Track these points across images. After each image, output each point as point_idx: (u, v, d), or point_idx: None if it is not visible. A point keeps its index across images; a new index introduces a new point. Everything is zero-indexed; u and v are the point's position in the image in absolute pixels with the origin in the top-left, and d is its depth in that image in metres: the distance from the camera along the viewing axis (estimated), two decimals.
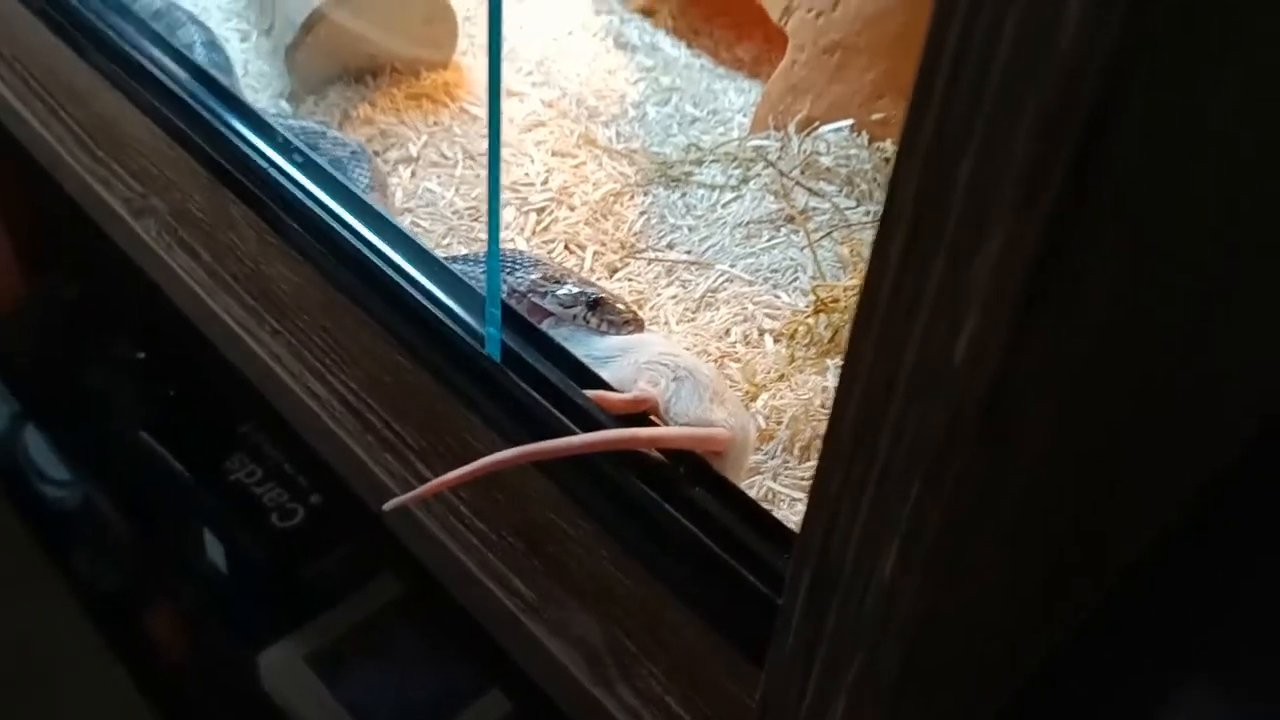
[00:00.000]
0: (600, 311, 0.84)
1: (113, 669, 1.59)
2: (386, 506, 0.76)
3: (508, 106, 1.16)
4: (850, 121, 1.06)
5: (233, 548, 1.46)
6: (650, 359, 0.78)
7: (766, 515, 0.70)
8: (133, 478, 1.61)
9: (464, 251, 1.01)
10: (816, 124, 1.08)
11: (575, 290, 0.85)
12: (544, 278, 0.88)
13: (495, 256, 0.74)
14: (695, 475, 0.72)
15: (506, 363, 0.78)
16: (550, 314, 0.86)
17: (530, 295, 0.87)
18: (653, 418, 0.74)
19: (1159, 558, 0.73)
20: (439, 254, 1.01)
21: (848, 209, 1.03)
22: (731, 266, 1.01)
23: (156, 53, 1.03)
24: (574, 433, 0.73)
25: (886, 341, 0.42)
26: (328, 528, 1.32)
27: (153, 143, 1.05)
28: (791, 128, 1.09)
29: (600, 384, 0.76)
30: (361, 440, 0.88)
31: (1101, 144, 0.34)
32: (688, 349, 0.92)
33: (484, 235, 1.05)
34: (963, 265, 0.38)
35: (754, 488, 0.84)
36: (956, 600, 0.50)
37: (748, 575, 0.67)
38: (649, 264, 1.03)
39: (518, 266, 0.89)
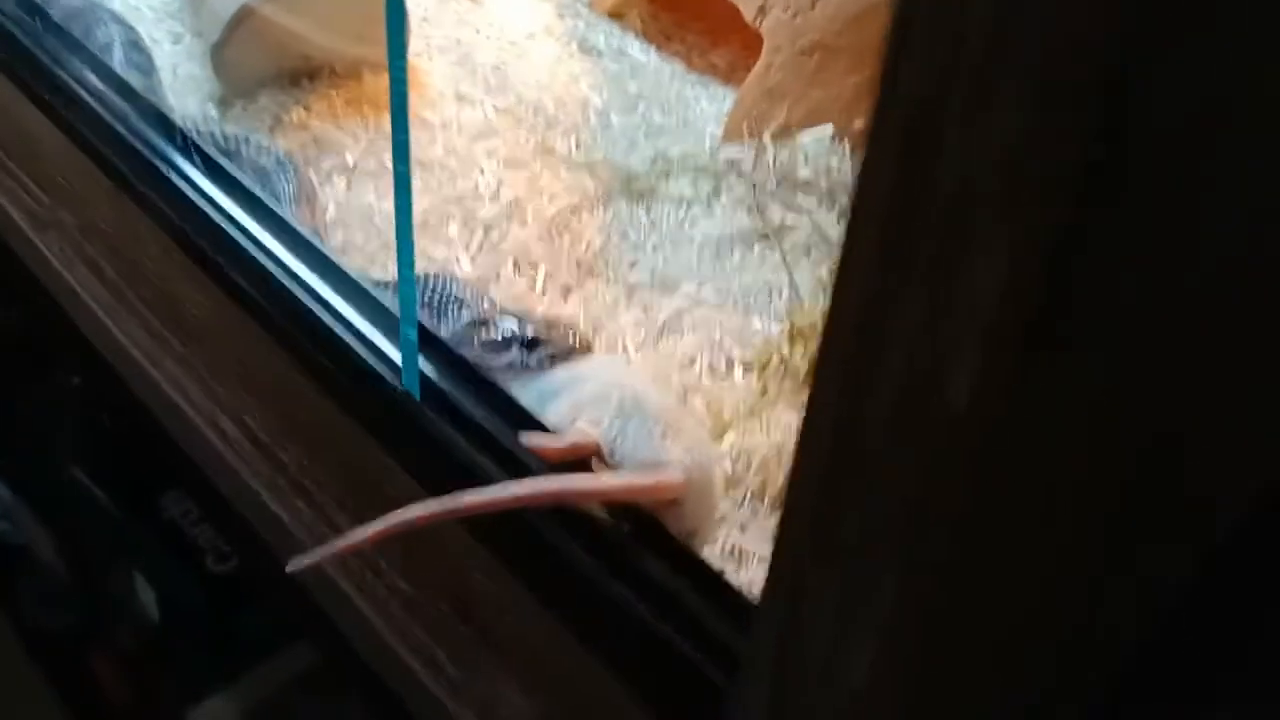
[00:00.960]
0: (539, 350, 0.73)
1: (55, 711, 1.49)
2: (290, 567, 0.65)
3: (459, 112, 1.07)
4: (830, 129, 0.96)
5: (164, 592, 1.36)
6: (592, 393, 0.67)
7: (726, 588, 0.59)
8: (67, 514, 1.50)
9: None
10: (794, 132, 0.98)
11: (507, 332, 0.74)
12: (470, 322, 0.77)
13: (409, 279, 0.64)
14: (643, 534, 0.61)
15: (427, 399, 0.67)
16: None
17: (460, 346, 0.76)
18: (596, 463, 0.64)
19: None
20: (374, 274, 0.92)
21: (827, 226, 0.93)
22: (699, 288, 0.91)
23: (65, 55, 0.93)
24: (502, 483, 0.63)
25: (857, 380, 0.32)
26: (267, 573, 1.20)
27: (62, 152, 0.95)
28: (767, 136, 0.99)
29: (536, 426, 0.66)
30: (271, 484, 0.78)
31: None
32: (642, 375, 0.82)
33: (432, 250, 0.95)
34: (959, 286, 0.28)
35: (719, 542, 0.73)
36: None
37: (701, 659, 0.56)
38: (607, 285, 0.92)
39: (444, 303, 0.79)
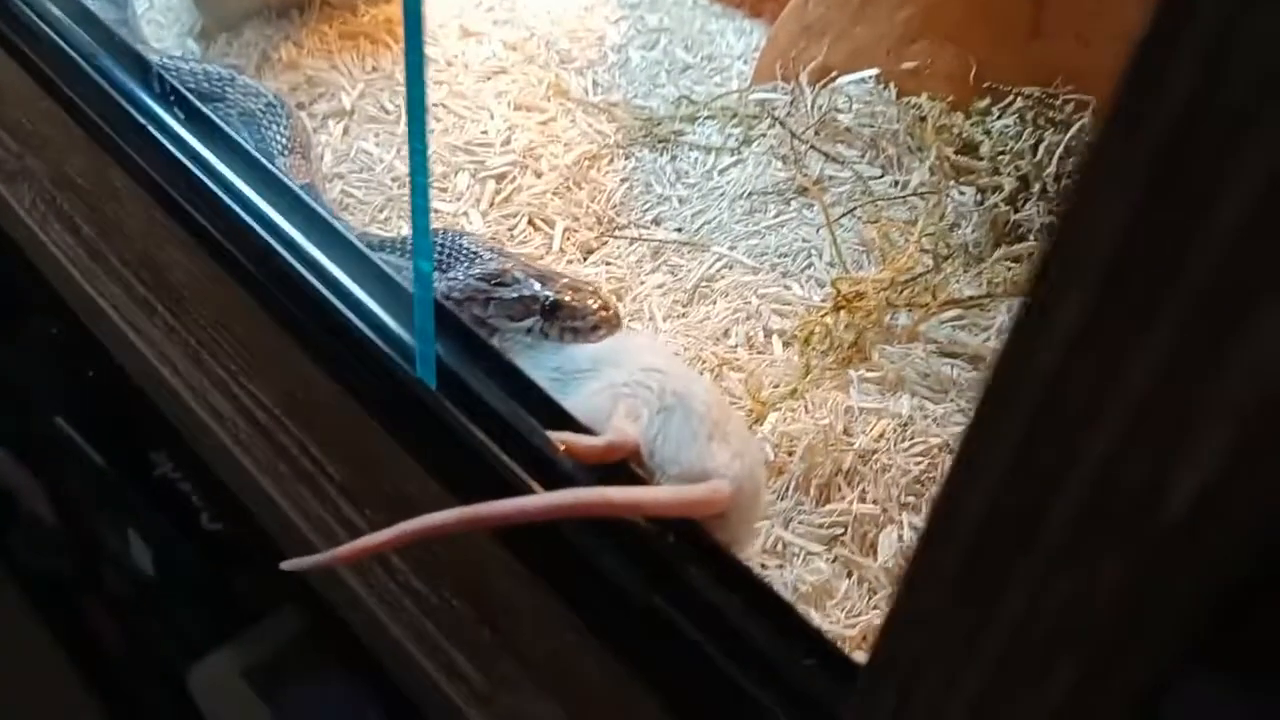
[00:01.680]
0: (560, 318, 0.66)
1: (53, 656, 1.45)
2: (285, 566, 0.59)
3: (464, 49, 0.97)
4: (876, 71, 0.88)
5: (159, 548, 1.30)
6: (630, 379, 0.60)
7: (779, 603, 0.53)
8: (52, 465, 1.44)
9: (404, 230, 0.83)
10: (835, 74, 0.89)
11: (527, 294, 0.67)
12: (484, 276, 0.69)
13: (426, 251, 0.56)
14: (687, 547, 0.54)
15: (444, 389, 0.60)
16: (497, 329, 0.68)
17: (470, 304, 0.69)
18: (634, 465, 0.57)
19: None
20: (377, 231, 0.84)
21: (872, 179, 0.85)
22: (731, 249, 0.83)
23: None
24: (529, 488, 0.56)
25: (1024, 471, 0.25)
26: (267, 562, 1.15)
27: (29, 95, 0.86)
28: (804, 78, 0.90)
29: (567, 421, 0.59)
30: (271, 469, 0.71)
31: None
32: (679, 354, 0.75)
33: (439, 205, 0.87)
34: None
35: (761, 537, 0.67)
36: None
37: (747, 684, 0.51)
38: (630, 244, 0.85)
39: (453, 259, 0.70)
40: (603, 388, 0.61)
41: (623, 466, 0.57)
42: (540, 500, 0.54)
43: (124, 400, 1.08)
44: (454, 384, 0.60)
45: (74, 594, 1.53)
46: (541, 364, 0.65)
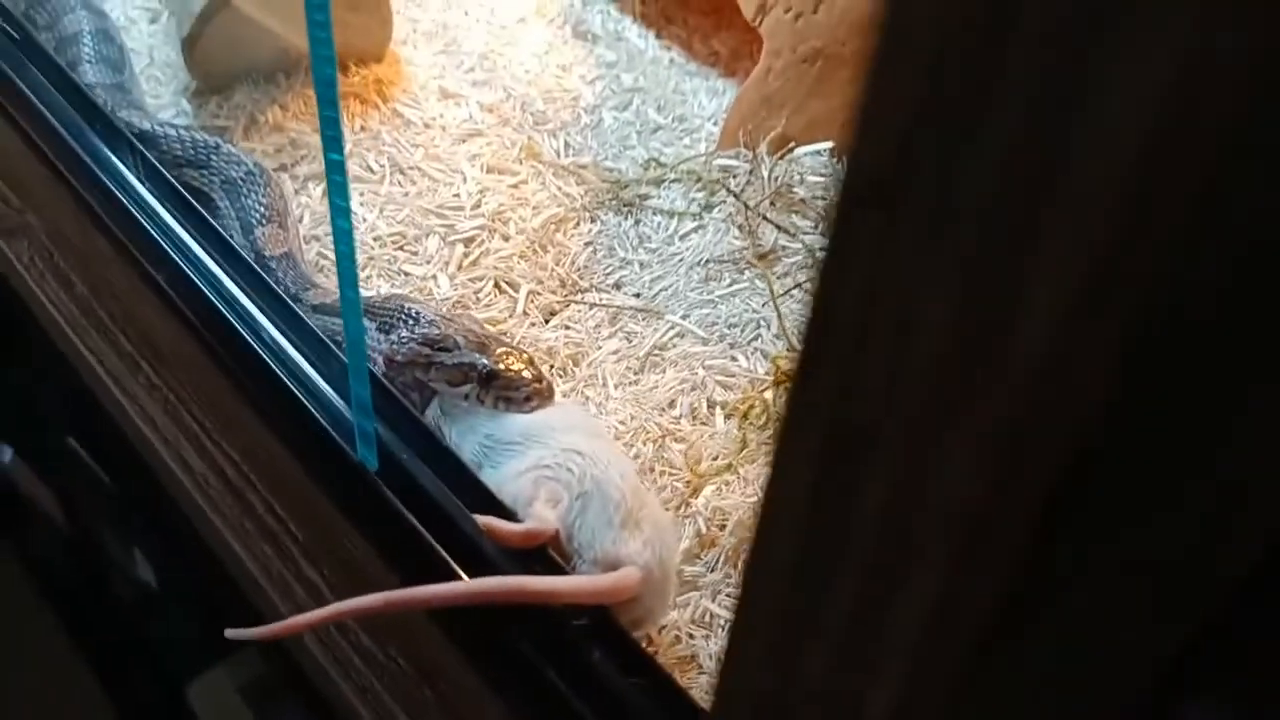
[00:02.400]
0: (495, 387, 0.70)
1: (65, 652, 1.52)
2: (230, 635, 0.63)
3: (443, 111, 1.02)
4: (831, 144, 0.91)
5: (160, 567, 1.36)
6: (553, 460, 0.64)
7: (679, 691, 0.57)
8: (64, 479, 1.51)
9: (383, 290, 0.87)
10: (792, 145, 0.93)
11: (465, 361, 0.71)
12: (426, 341, 0.73)
13: (359, 351, 0.60)
14: (596, 631, 0.59)
15: (384, 472, 0.64)
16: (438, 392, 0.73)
17: (412, 367, 0.73)
18: (553, 550, 0.61)
19: None
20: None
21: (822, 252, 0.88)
22: (684, 318, 0.87)
23: (24, 55, 0.89)
24: (456, 573, 0.60)
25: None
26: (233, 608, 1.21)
27: (25, 159, 0.91)
28: (763, 148, 0.94)
29: (494, 503, 0.63)
30: (238, 527, 0.76)
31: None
32: (619, 428, 0.79)
33: (409, 268, 0.91)
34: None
35: (689, 607, 0.71)
36: None
37: None
38: (590, 308, 0.88)
39: (396, 322, 0.75)
40: (527, 469, 0.65)
41: (542, 551, 0.61)
42: (460, 588, 0.58)
43: (116, 442, 1.14)
44: (393, 466, 0.65)
45: (83, 597, 1.60)
46: (476, 429, 0.70)
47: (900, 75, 0.21)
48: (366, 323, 0.77)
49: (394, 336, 0.73)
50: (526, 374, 0.71)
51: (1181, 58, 0.17)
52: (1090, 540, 0.24)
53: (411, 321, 0.75)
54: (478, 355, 0.71)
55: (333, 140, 0.55)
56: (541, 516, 0.61)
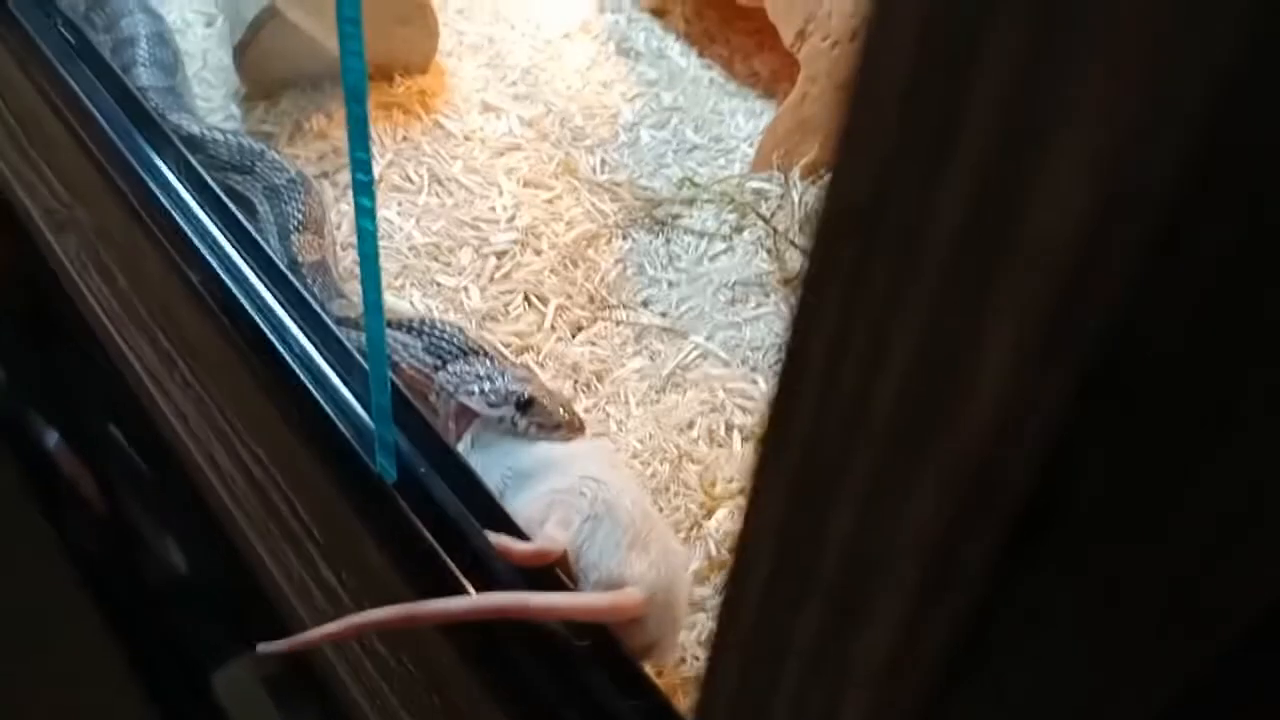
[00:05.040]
0: (530, 414, 0.72)
1: (101, 632, 1.56)
2: (261, 649, 0.66)
3: (483, 124, 1.03)
4: None
5: (192, 557, 1.39)
6: (567, 486, 0.66)
7: (677, 716, 0.58)
8: (104, 464, 1.55)
9: (415, 299, 0.89)
10: (824, 171, 0.93)
11: (506, 389, 0.73)
12: (476, 373, 0.76)
13: (380, 360, 0.62)
14: (598, 653, 0.60)
15: (401, 485, 0.66)
16: (477, 414, 0.74)
17: (459, 394, 0.75)
18: (561, 571, 0.63)
19: None
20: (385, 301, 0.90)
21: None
22: (708, 339, 0.88)
23: (80, 57, 0.92)
24: (464, 586, 0.62)
25: None
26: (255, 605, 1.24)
27: (76, 157, 0.94)
28: (795, 172, 0.94)
29: (507, 523, 0.64)
30: (261, 527, 0.78)
31: None
32: (637, 447, 0.80)
33: (442, 278, 0.93)
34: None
35: (696, 629, 0.72)
36: None
37: None
38: (617, 325, 0.90)
39: (452, 354, 0.77)
40: (542, 493, 0.66)
41: (551, 571, 0.62)
42: (465, 603, 0.60)
43: (151, 435, 1.17)
44: (411, 479, 0.66)
45: (118, 579, 1.64)
46: (499, 462, 0.71)
47: (875, 112, 0.22)
48: (414, 340, 0.79)
49: (449, 368, 0.76)
50: (560, 406, 0.72)
51: (1134, 105, 0.18)
52: (1058, 575, 0.25)
53: (457, 347, 0.77)
54: (517, 382, 0.73)
55: (361, 163, 0.56)
56: (551, 537, 0.62)
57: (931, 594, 0.25)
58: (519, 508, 0.66)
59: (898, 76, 0.21)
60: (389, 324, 0.81)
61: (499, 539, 0.62)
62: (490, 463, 0.71)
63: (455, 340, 0.79)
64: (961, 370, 0.22)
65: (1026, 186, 0.20)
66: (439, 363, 0.79)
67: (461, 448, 0.73)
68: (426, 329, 0.78)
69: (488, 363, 0.76)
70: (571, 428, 0.71)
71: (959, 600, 0.25)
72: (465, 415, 0.75)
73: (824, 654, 0.29)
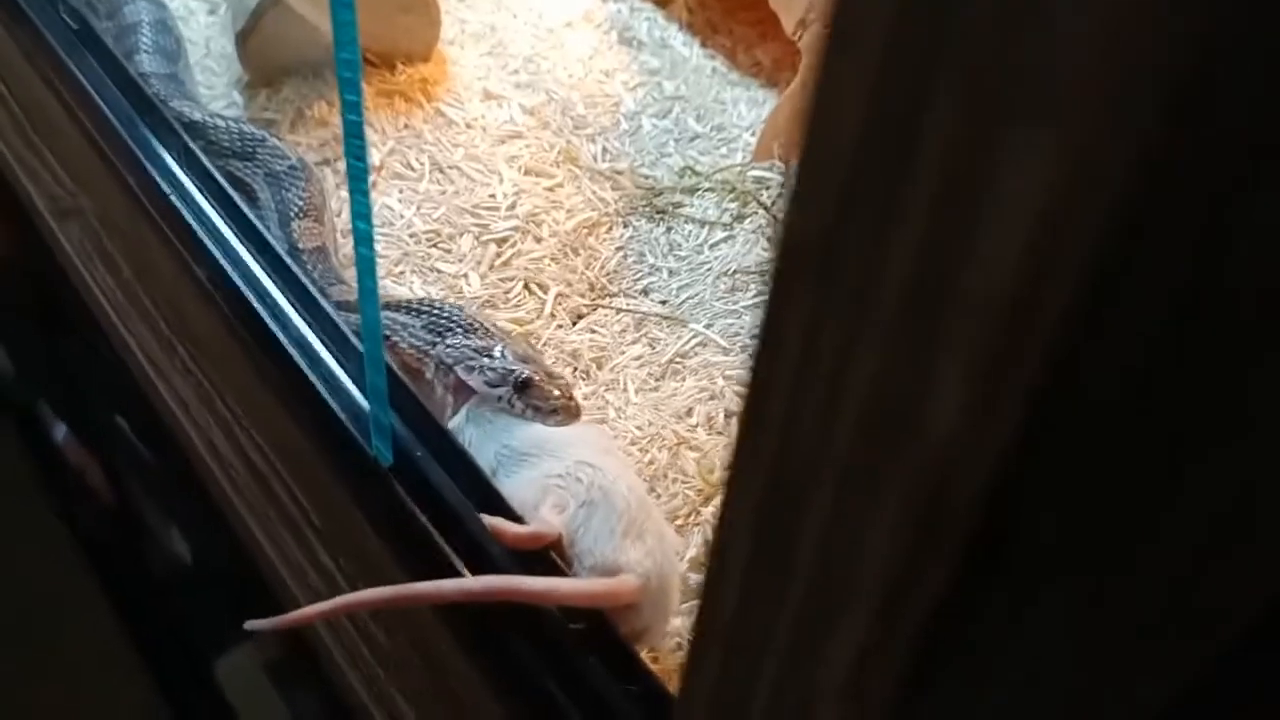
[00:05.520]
0: (527, 395, 0.72)
1: (107, 619, 1.57)
2: (249, 625, 0.66)
3: (485, 112, 1.03)
4: None
5: (195, 546, 1.40)
6: (563, 471, 0.66)
7: (670, 698, 0.58)
8: (111, 454, 1.55)
9: (415, 287, 0.89)
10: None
11: (505, 368, 0.73)
12: (476, 348, 0.76)
13: (375, 341, 0.62)
14: (591, 637, 0.60)
15: (397, 468, 0.66)
16: (475, 391, 0.75)
17: (457, 368, 0.75)
18: (555, 555, 0.63)
19: None
20: (386, 288, 0.90)
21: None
22: (708, 327, 0.87)
23: (82, 43, 0.92)
24: (459, 569, 0.62)
25: None
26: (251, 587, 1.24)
27: (80, 145, 0.94)
28: (797, 162, 0.94)
29: (502, 506, 0.64)
30: (261, 513, 0.78)
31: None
32: (636, 433, 0.80)
33: (442, 265, 0.93)
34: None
35: (692, 615, 0.72)
36: None
37: None
38: (616, 313, 0.90)
39: (451, 329, 0.77)
40: (537, 477, 0.66)
41: (545, 555, 0.62)
42: (458, 585, 0.60)
43: (153, 423, 1.17)
44: (407, 463, 0.66)
45: (125, 568, 1.65)
46: (496, 437, 0.71)
47: (832, 146, 0.22)
48: (413, 320, 0.79)
49: (446, 341, 0.76)
50: (558, 390, 0.72)
51: (1073, 151, 0.18)
52: (1019, 595, 0.25)
53: (461, 324, 0.77)
54: (521, 364, 0.73)
55: (356, 144, 0.56)
56: (546, 520, 0.62)
57: (889, 614, 0.25)
58: (513, 489, 0.66)
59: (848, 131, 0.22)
60: (389, 305, 0.82)
61: (493, 521, 0.62)
62: (485, 438, 0.71)
63: (455, 317, 0.79)
64: (912, 402, 0.23)
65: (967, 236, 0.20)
66: (437, 339, 0.79)
67: (457, 421, 0.73)
68: (425, 308, 0.78)
69: (488, 339, 0.76)
70: (568, 412, 0.71)
71: (915, 622, 0.25)
72: (463, 390, 0.75)
73: (793, 669, 0.29)
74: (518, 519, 0.63)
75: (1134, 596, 0.26)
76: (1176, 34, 0.16)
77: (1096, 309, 0.19)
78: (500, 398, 0.73)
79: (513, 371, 0.73)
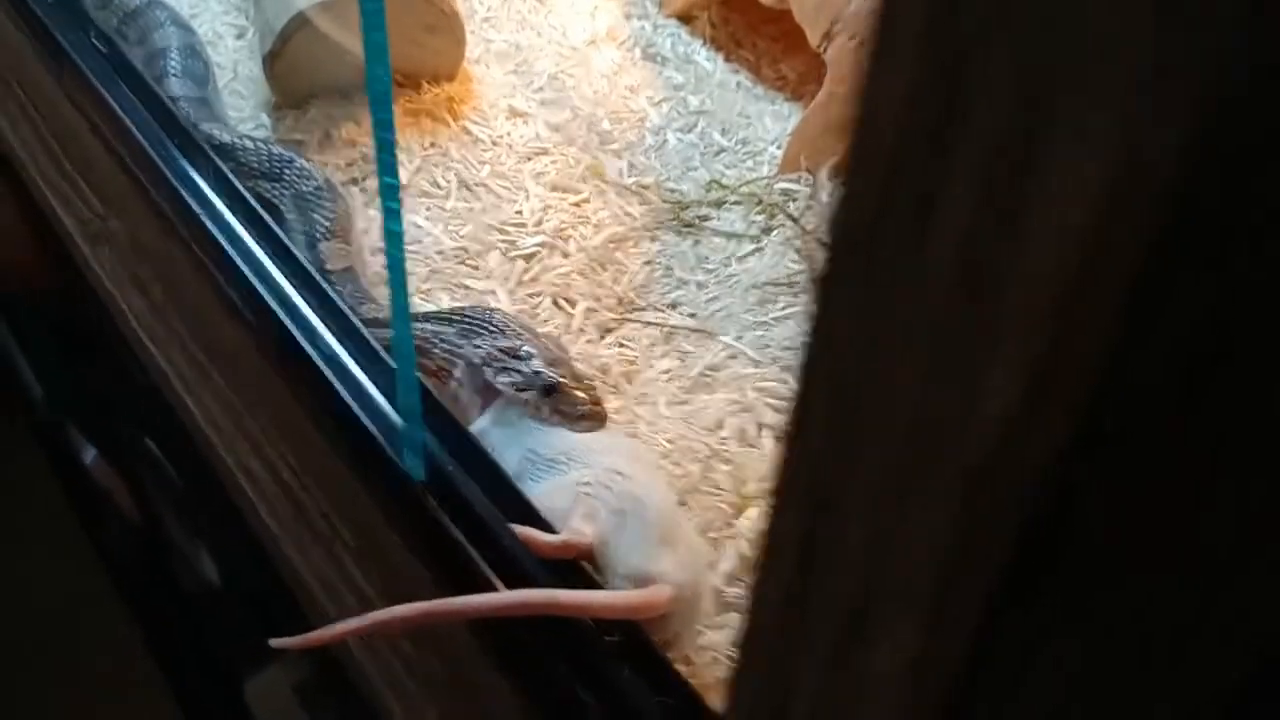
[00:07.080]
0: (554, 401, 0.71)
1: (136, 641, 1.57)
2: (274, 643, 0.65)
3: (510, 129, 1.04)
4: None
5: (224, 567, 1.40)
6: (593, 479, 0.65)
7: (707, 712, 0.57)
8: (141, 479, 1.56)
9: (443, 303, 0.89)
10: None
11: (532, 371, 0.72)
12: (504, 350, 0.75)
13: (408, 359, 0.62)
14: (627, 649, 0.59)
15: (431, 482, 0.66)
16: (501, 393, 0.74)
17: (485, 369, 0.75)
18: (587, 564, 0.62)
19: None
20: (412, 304, 0.90)
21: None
22: (738, 339, 0.87)
23: (113, 68, 0.93)
24: (493, 583, 0.61)
25: None
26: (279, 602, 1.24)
27: (110, 168, 0.95)
28: (824, 173, 0.94)
29: (533, 515, 0.64)
30: (293, 532, 0.78)
31: None
32: (667, 447, 0.79)
33: (470, 282, 0.93)
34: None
35: (728, 629, 0.71)
36: None
37: None
38: (645, 327, 0.89)
39: (480, 329, 0.77)
40: (568, 484, 0.66)
41: (577, 565, 0.62)
42: (495, 599, 0.59)
43: (184, 445, 1.17)
44: (439, 478, 0.66)
45: (152, 589, 1.65)
46: (520, 442, 0.71)
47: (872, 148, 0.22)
48: (444, 327, 0.79)
49: (472, 342, 0.75)
50: (584, 395, 0.72)
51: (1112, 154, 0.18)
52: (1061, 608, 0.24)
53: (491, 325, 0.77)
54: (546, 366, 0.73)
55: (388, 165, 0.56)
56: (577, 530, 0.61)
57: (933, 627, 0.25)
58: (540, 495, 0.65)
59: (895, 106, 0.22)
60: (420, 316, 0.82)
61: (524, 531, 0.62)
62: (510, 442, 0.70)
63: (486, 320, 0.79)
64: (957, 407, 0.22)
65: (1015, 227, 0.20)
66: (464, 340, 0.78)
67: (483, 422, 0.73)
68: (458, 316, 0.78)
69: (517, 341, 0.76)
70: (595, 418, 0.71)
71: (958, 634, 0.25)
72: (490, 391, 0.74)
73: (835, 679, 0.29)
74: (550, 530, 0.63)
75: (1172, 599, 0.25)
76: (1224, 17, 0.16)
77: (1147, 301, 0.19)
78: (526, 402, 0.73)
79: (539, 375, 0.72)
